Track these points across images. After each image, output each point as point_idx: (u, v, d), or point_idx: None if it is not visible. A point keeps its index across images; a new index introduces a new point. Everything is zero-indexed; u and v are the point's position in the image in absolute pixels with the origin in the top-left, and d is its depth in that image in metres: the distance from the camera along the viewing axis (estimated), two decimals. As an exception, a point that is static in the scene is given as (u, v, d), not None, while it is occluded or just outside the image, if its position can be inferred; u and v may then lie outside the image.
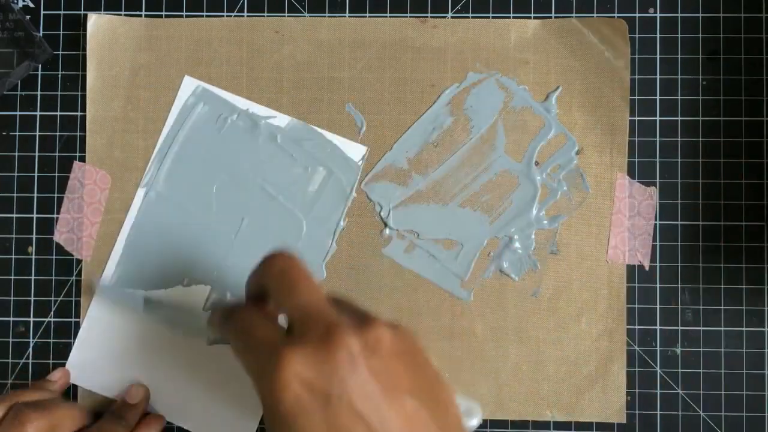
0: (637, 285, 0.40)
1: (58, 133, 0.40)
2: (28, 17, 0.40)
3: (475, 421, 0.35)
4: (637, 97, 0.40)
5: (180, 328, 0.39)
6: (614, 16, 0.40)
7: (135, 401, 0.38)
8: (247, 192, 0.40)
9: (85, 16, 0.40)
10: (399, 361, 0.26)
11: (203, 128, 0.40)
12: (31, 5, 0.41)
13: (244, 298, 0.32)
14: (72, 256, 0.40)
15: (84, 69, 0.40)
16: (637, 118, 0.40)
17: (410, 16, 0.40)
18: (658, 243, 0.40)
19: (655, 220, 0.40)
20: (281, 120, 0.40)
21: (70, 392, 0.40)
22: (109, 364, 0.40)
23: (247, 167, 0.40)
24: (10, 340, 0.40)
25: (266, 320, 0.29)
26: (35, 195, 0.40)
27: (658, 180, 0.40)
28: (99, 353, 0.40)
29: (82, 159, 0.40)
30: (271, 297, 0.29)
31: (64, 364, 0.40)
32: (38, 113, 0.41)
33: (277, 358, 0.25)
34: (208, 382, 0.39)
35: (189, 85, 0.40)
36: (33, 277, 0.40)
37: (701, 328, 0.40)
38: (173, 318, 0.38)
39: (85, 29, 0.40)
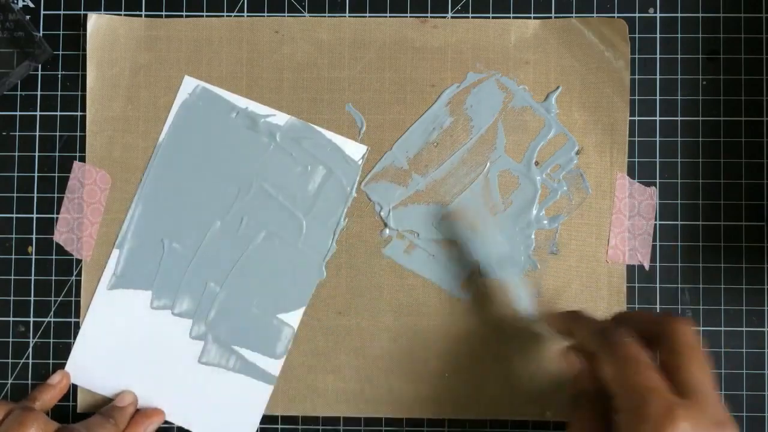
0: (637, 285, 0.40)
1: (58, 133, 0.40)
2: (28, 17, 0.40)
3: None
4: (637, 97, 0.40)
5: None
6: (614, 16, 0.40)
7: (123, 405, 0.38)
8: (247, 191, 0.40)
9: (85, 16, 0.40)
10: None
11: (202, 128, 0.40)
12: (31, 5, 0.41)
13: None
14: (72, 256, 0.40)
15: (84, 69, 0.40)
16: (637, 118, 0.40)
17: (410, 16, 0.40)
18: (658, 243, 0.40)
19: (655, 220, 0.40)
20: (280, 118, 0.40)
21: (70, 392, 0.40)
22: (109, 364, 0.40)
23: (246, 166, 0.40)
24: (10, 340, 0.40)
25: (652, 365, 0.29)
26: (35, 195, 0.40)
27: (658, 180, 0.40)
28: (99, 353, 0.40)
29: (82, 159, 0.40)
30: (668, 354, 0.29)
31: (64, 365, 0.40)
32: (38, 113, 0.41)
33: (672, 418, 0.26)
34: (208, 382, 0.39)
35: (188, 84, 0.40)
36: (33, 277, 0.40)
37: (701, 328, 0.40)
38: None
39: (85, 29, 0.40)
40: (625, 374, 0.28)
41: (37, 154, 0.40)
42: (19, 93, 0.41)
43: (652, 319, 0.31)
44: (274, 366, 0.39)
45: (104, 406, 0.39)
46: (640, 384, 0.27)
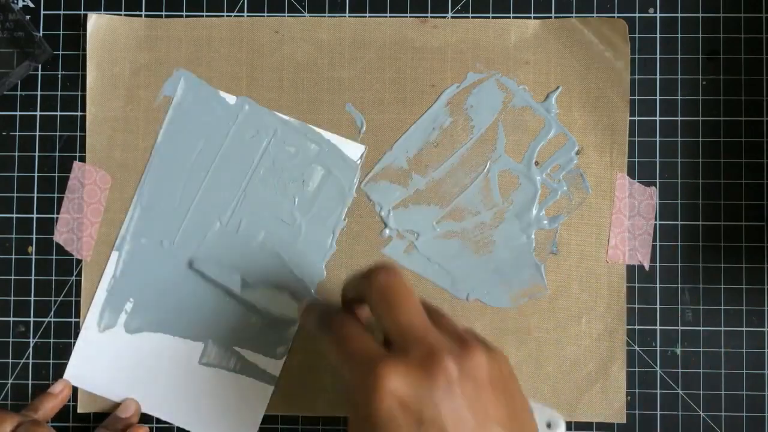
0: (637, 285, 0.40)
1: (58, 133, 0.40)
2: (28, 17, 0.40)
3: None
4: (637, 97, 0.40)
5: (270, 312, 0.39)
6: (614, 16, 0.40)
7: (127, 415, 0.38)
8: (245, 192, 0.40)
9: (85, 16, 0.40)
10: (493, 388, 0.27)
11: (199, 129, 0.40)
12: (31, 5, 0.41)
13: (330, 300, 0.33)
14: (72, 256, 0.40)
15: (84, 69, 0.40)
16: (637, 118, 0.40)
17: (410, 16, 0.40)
18: (658, 243, 0.40)
19: (655, 220, 0.40)
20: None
21: (70, 395, 0.40)
22: (109, 366, 0.40)
23: (243, 167, 0.40)
24: (10, 340, 0.40)
25: (364, 330, 0.29)
26: (35, 195, 0.40)
27: (658, 180, 0.40)
28: (99, 355, 0.40)
29: (82, 159, 0.40)
30: (371, 310, 0.29)
31: (64, 365, 0.40)
32: (38, 113, 0.41)
33: (376, 372, 0.26)
34: (208, 382, 0.39)
35: (184, 85, 0.40)
36: (33, 277, 0.40)
37: (701, 328, 0.40)
38: (265, 302, 0.39)
39: (85, 29, 0.40)
40: (338, 349, 0.28)
41: (37, 154, 0.40)
42: (19, 93, 0.41)
43: (361, 277, 0.30)
44: (274, 366, 0.39)
45: (104, 405, 0.39)
46: (348, 352, 0.27)
